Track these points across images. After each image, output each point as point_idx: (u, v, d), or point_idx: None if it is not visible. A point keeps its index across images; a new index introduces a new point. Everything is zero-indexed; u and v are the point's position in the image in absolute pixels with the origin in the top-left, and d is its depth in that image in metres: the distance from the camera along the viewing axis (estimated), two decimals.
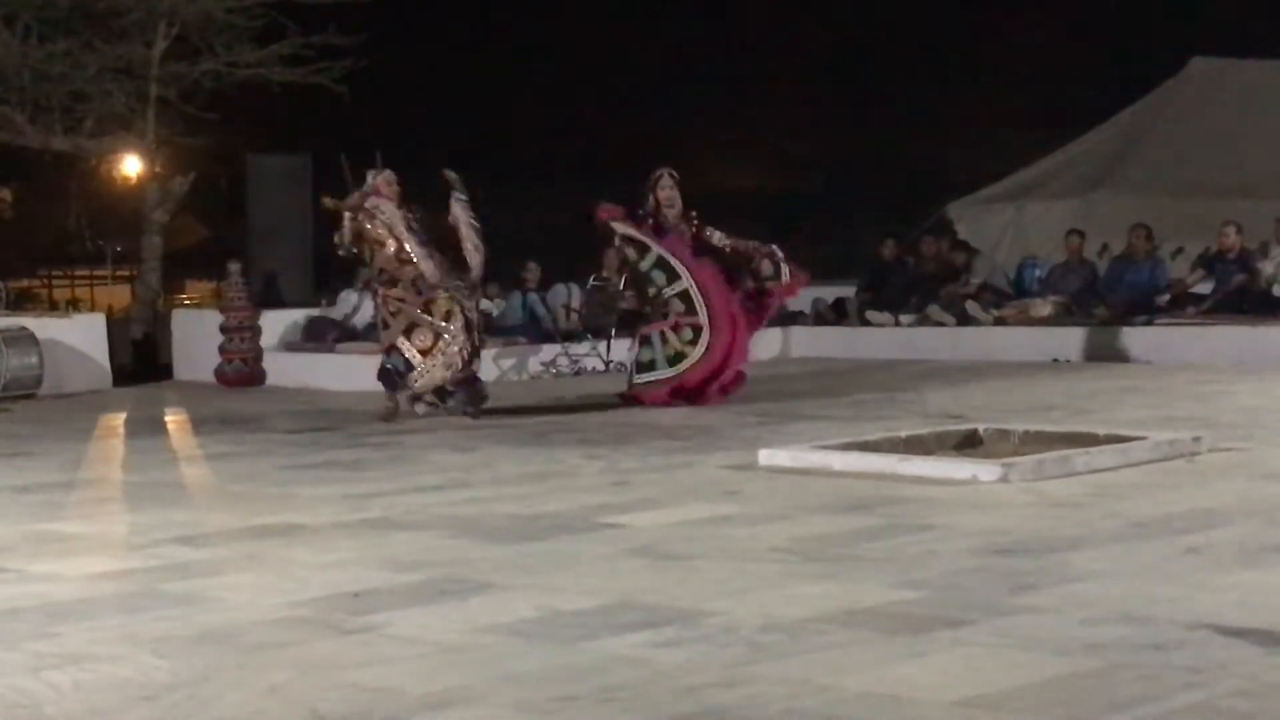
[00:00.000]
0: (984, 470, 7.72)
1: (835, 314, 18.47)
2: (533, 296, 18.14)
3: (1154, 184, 18.97)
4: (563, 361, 16.86)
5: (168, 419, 12.86)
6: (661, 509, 7.24)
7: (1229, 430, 9.31)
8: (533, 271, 18.33)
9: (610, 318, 17.43)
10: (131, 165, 19.67)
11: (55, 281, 33.17)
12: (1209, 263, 16.49)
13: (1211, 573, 5.43)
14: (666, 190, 12.55)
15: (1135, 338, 15.67)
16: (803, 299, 19.19)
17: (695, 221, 12.55)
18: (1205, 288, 16.30)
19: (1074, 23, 29.23)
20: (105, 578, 6.04)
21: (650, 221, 12.46)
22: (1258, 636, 4.50)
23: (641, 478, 8.34)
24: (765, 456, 8.57)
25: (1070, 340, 16.03)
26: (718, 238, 12.54)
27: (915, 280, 18.26)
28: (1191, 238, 17.37)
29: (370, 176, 12.03)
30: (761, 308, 12.70)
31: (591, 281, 18.24)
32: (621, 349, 16.73)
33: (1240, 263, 16.11)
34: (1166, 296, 16.40)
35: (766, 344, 17.87)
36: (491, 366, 15.97)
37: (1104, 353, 15.51)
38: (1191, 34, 23.22)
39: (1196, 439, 8.52)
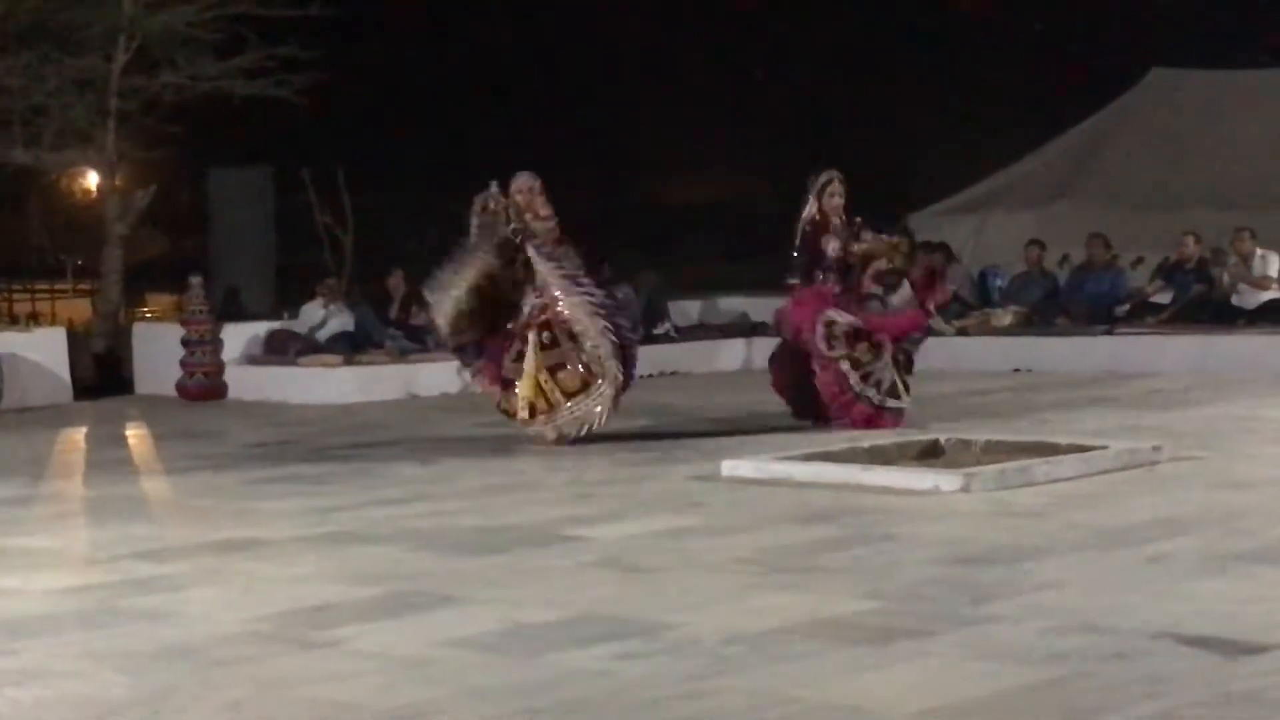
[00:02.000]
0: (946, 480, 7.74)
1: None
2: None
3: (1114, 194, 19.07)
4: None
5: (129, 433, 12.80)
6: (625, 521, 7.24)
7: (1189, 439, 9.35)
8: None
9: None
10: (92, 178, 19.59)
11: (15, 295, 32.93)
12: (1168, 273, 16.58)
13: (1172, 582, 5.45)
14: (836, 199, 11.31)
15: (1096, 347, 15.74)
16: (766, 310, 19.25)
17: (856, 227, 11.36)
18: (1165, 297, 16.39)
19: (1034, 35, 29.35)
20: (66, 593, 6.00)
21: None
22: (1218, 645, 4.52)
23: (605, 490, 8.34)
24: (728, 468, 8.58)
25: (1031, 350, 16.09)
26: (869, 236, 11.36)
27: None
28: (1151, 248, 17.45)
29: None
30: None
31: None
32: None
33: (1199, 273, 16.21)
34: (1126, 306, 16.49)
35: (731, 355, 17.90)
36: (454, 379, 15.96)
37: (1065, 362, 15.57)
38: (1150, 45, 23.33)
39: (1157, 448, 8.55)
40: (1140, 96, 20.69)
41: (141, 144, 19.13)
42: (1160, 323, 15.94)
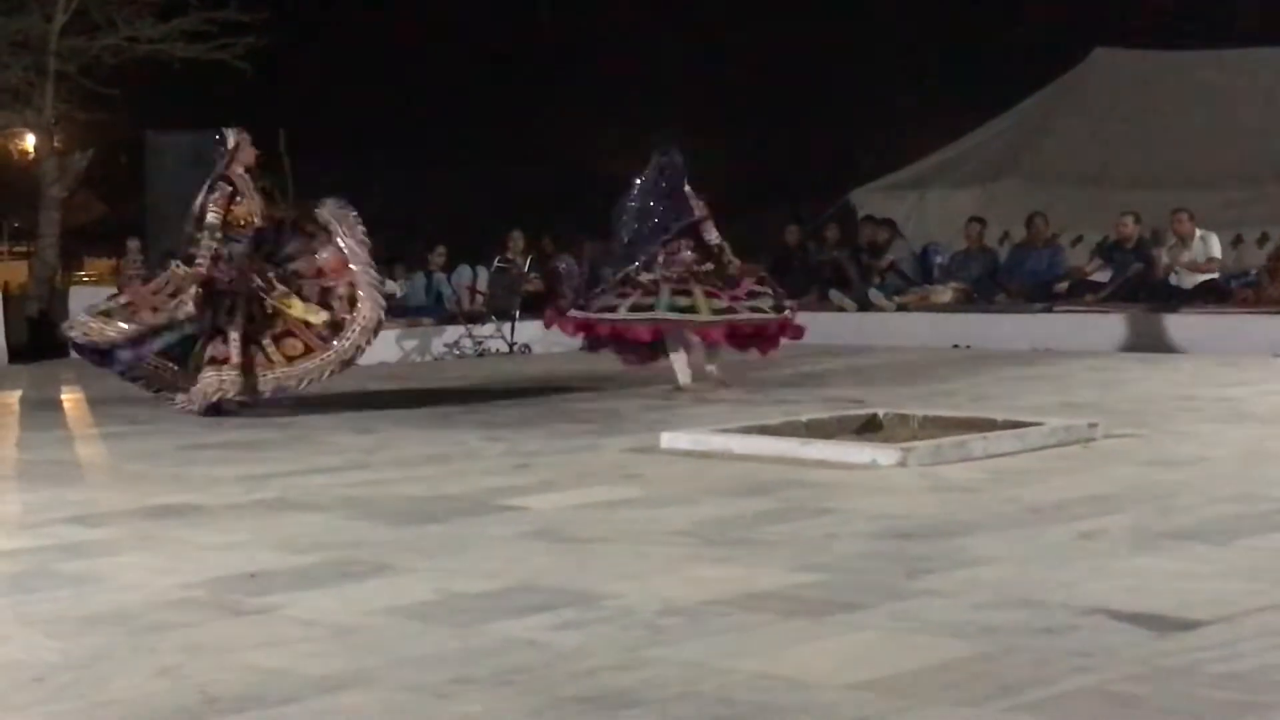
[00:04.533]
0: (883, 454, 7.77)
1: None
2: (438, 277, 18.08)
3: (1055, 173, 19.18)
4: (466, 343, 16.82)
5: (64, 397, 12.70)
6: (562, 491, 7.24)
7: (1125, 417, 9.42)
8: (439, 254, 18.27)
9: (514, 299, 17.42)
10: (29, 140, 19.39)
11: None
12: (1107, 251, 16.71)
13: (1105, 558, 5.49)
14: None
15: (1034, 324, 15.85)
16: None
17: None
18: (1104, 276, 16.52)
19: (978, 11, 29.41)
20: None
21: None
22: (1149, 621, 4.56)
23: (543, 460, 8.33)
24: (667, 439, 8.59)
25: (971, 326, 16.19)
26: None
27: (818, 265, 18.36)
28: (1091, 227, 17.58)
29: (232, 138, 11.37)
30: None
31: (496, 263, 18.22)
32: (525, 331, 16.72)
33: (1138, 252, 16.33)
34: (1065, 284, 16.59)
35: None
36: (395, 348, 15.91)
37: (1004, 339, 15.66)
38: (1094, 24, 23.43)
39: (1093, 425, 8.61)
40: (1083, 75, 20.80)
41: (80, 106, 18.96)
42: (1098, 301, 16.07)
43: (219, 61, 19.15)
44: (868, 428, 8.99)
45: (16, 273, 27.87)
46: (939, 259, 18.07)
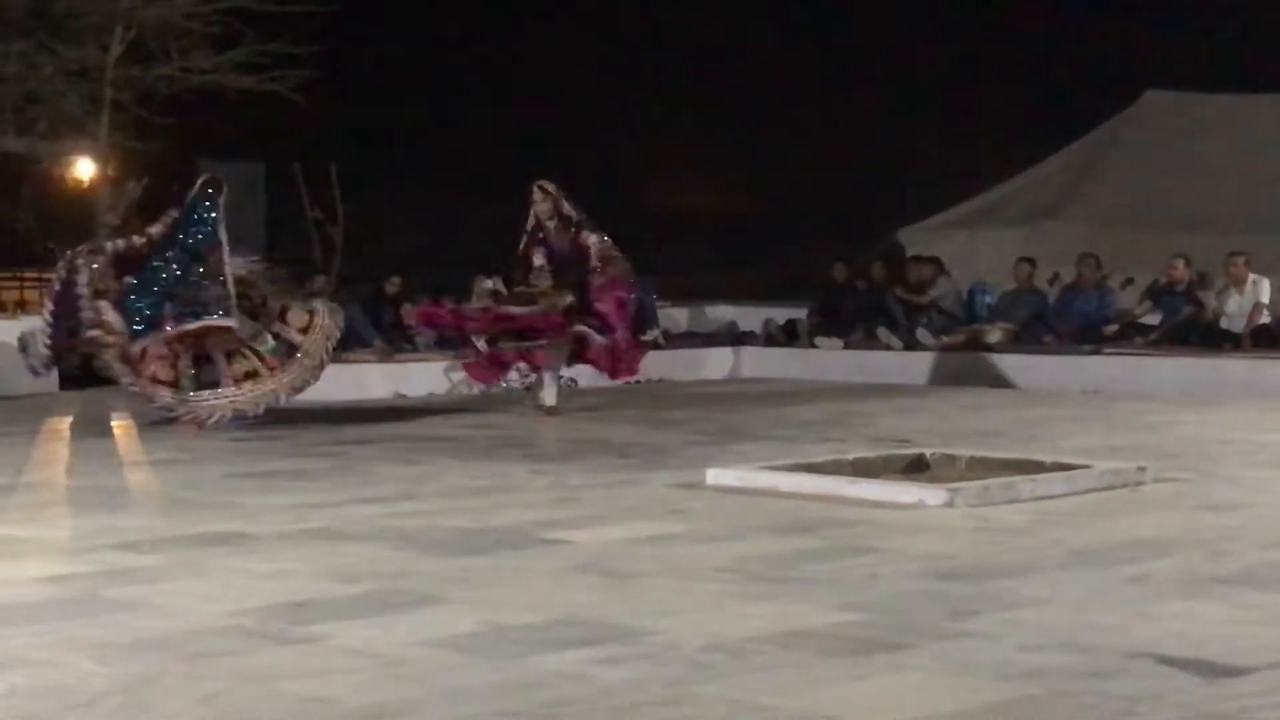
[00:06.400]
0: (930, 494, 7.74)
1: (786, 335, 18.53)
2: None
3: (1105, 214, 19.11)
4: (513, 376, 16.82)
5: (114, 423, 12.78)
6: (607, 526, 7.24)
7: (1174, 461, 9.36)
8: (486, 284, 18.29)
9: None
10: (84, 168, 19.56)
11: (4, 283, 32.87)
12: (1157, 294, 16.61)
13: (1152, 602, 5.46)
14: (539, 204, 13.05)
15: (1083, 367, 15.76)
16: (754, 319, 19.27)
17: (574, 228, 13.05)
18: (1154, 319, 16.42)
19: (1029, 53, 29.40)
20: (46, 582, 5.99)
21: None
22: (1196, 667, 4.53)
23: (588, 494, 8.33)
24: (712, 476, 8.58)
25: (1018, 367, 16.11)
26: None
27: (867, 303, 18.34)
28: (1141, 269, 17.49)
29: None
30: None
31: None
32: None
33: (1188, 295, 16.24)
34: (1115, 326, 16.51)
35: (717, 363, 17.93)
36: (443, 379, 15.95)
37: (1052, 381, 15.58)
38: (1146, 66, 23.39)
39: (1141, 469, 8.56)
40: (1135, 117, 20.75)
41: (134, 135, 19.13)
42: (1148, 344, 15.97)
43: (272, 93, 19.29)
44: (914, 467, 8.96)
45: None
46: (987, 299, 18.01)
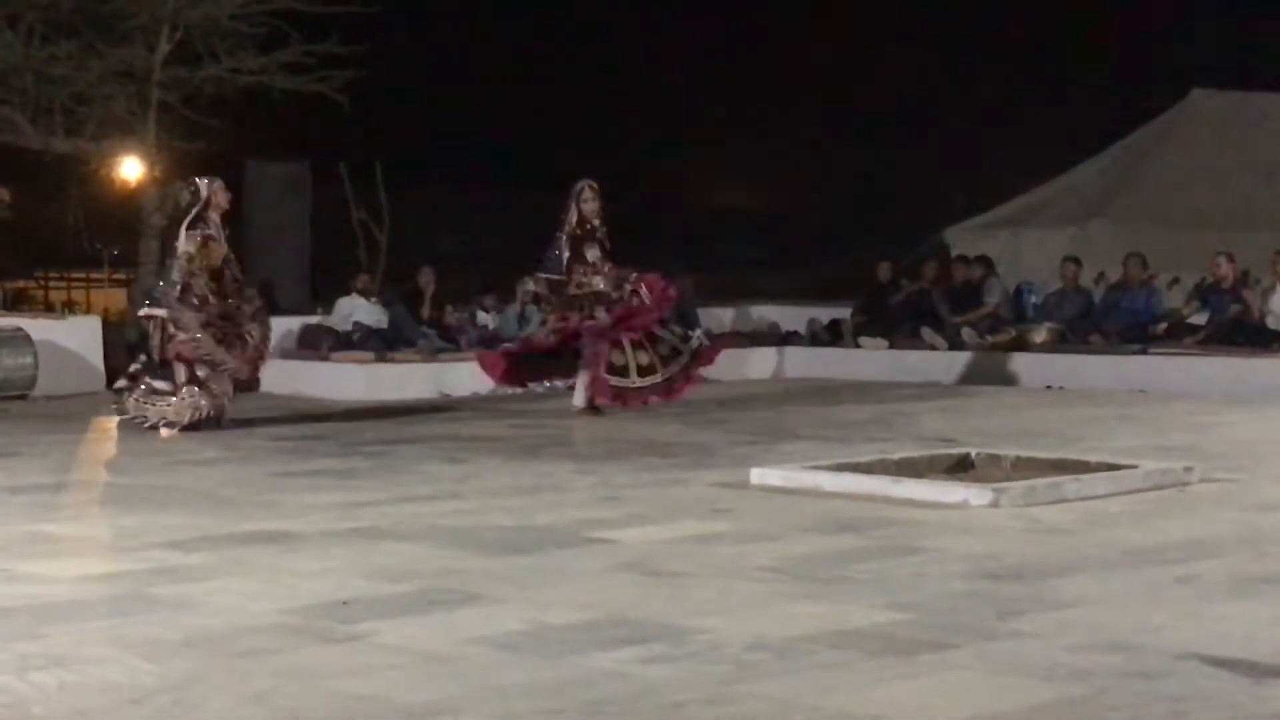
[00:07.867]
0: (975, 494, 7.72)
1: (831, 335, 18.50)
2: (530, 309, 18.12)
3: (1152, 213, 19.00)
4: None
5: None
6: (652, 525, 7.25)
7: (1221, 461, 9.31)
8: (529, 285, 18.31)
9: None
10: (131, 169, 19.66)
11: (51, 283, 33.13)
12: (1204, 294, 16.51)
13: (1200, 603, 5.44)
14: (590, 203, 13.02)
15: (1129, 366, 15.68)
16: (798, 319, 19.25)
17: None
18: (1201, 318, 16.33)
19: (1075, 51, 29.29)
20: (94, 580, 6.04)
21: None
22: (1244, 667, 4.51)
23: (632, 493, 8.34)
24: (757, 475, 8.57)
25: (1064, 367, 16.04)
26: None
27: (908, 302, 18.28)
28: (1188, 268, 17.39)
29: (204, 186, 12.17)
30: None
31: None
32: None
33: (1233, 293, 16.14)
34: (1162, 326, 16.42)
35: (761, 363, 17.91)
36: (486, 378, 15.98)
37: (1098, 380, 15.51)
38: (1192, 65, 23.26)
39: (1188, 469, 8.52)
40: (1181, 116, 20.63)
41: (181, 135, 19.22)
42: (1195, 343, 15.87)
43: (318, 93, 19.37)
44: (959, 467, 8.93)
45: (116, 299, 28.26)
46: (1033, 298, 17.94)
